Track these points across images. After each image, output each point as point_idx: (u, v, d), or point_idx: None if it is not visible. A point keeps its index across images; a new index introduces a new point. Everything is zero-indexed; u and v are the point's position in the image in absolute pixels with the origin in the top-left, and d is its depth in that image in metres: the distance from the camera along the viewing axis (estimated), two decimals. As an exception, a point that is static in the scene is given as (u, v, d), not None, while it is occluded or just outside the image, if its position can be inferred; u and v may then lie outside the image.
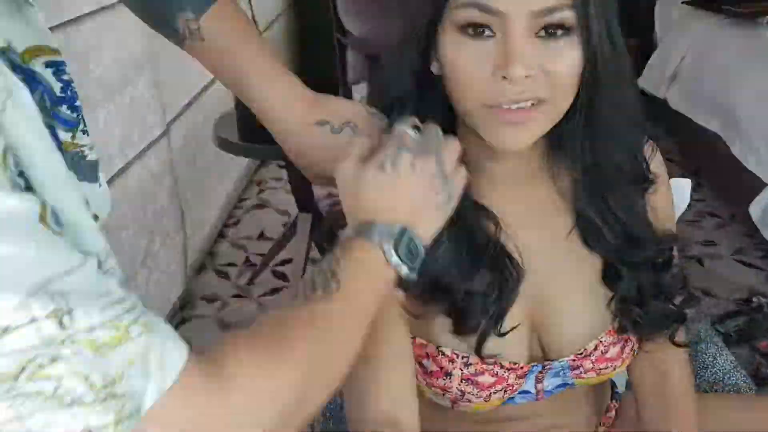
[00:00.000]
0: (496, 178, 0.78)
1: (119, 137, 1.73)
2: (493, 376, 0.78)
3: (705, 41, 2.97)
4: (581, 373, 0.82)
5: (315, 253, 2.48)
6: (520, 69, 0.63)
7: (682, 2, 3.30)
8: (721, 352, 1.05)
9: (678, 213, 1.01)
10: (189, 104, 2.33)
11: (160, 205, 2.05)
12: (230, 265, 2.49)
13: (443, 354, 0.78)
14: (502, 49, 0.64)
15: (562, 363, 0.81)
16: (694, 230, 2.59)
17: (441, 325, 0.77)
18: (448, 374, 0.78)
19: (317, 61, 3.94)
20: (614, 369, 0.83)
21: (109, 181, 1.67)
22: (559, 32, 0.65)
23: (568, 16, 0.65)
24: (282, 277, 2.40)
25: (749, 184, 2.37)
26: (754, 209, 2.28)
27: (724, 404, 0.96)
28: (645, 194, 0.80)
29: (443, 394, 0.80)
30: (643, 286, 0.80)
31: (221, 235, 2.68)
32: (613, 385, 0.99)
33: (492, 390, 0.78)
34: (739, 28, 2.85)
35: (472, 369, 0.77)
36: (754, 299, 2.11)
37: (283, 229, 2.50)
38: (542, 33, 0.65)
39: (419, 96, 0.74)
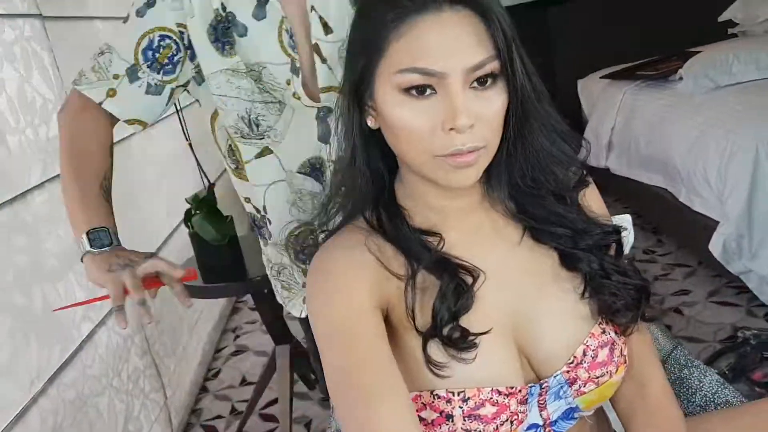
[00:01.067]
0: (448, 213, 0.84)
1: (82, 303, 1.73)
2: (493, 405, 0.77)
3: (629, 106, 3.14)
4: (580, 387, 0.82)
5: (300, 386, 2.44)
6: (466, 119, 0.72)
7: (600, 78, 3.51)
8: (705, 373, 1.05)
9: (627, 248, 1.04)
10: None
11: (135, 367, 2.01)
12: (217, 417, 2.42)
13: (438, 397, 0.78)
14: (446, 105, 0.73)
15: (557, 378, 0.82)
16: (666, 284, 2.62)
17: (427, 370, 0.78)
18: (449, 416, 0.77)
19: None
20: (611, 376, 0.84)
21: (78, 348, 1.65)
22: (489, 81, 0.74)
23: (495, 66, 0.74)
24: (271, 419, 2.34)
25: (704, 226, 2.44)
26: (714, 247, 2.33)
27: (714, 420, 0.95)
28: (579, 194, 0.88)
29: None
30: (603, 261, 0.85)
31: (203, 389, 2.62)
32: None
33: (498, 421, 0.77)
34: (656, 88, 3.03)
35: (471, 403, 0.77)
36: (739, 334, 2.11)
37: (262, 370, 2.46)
38: (475, 84, 0.74)
39: (364, 149, 0.84)
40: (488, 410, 0.77)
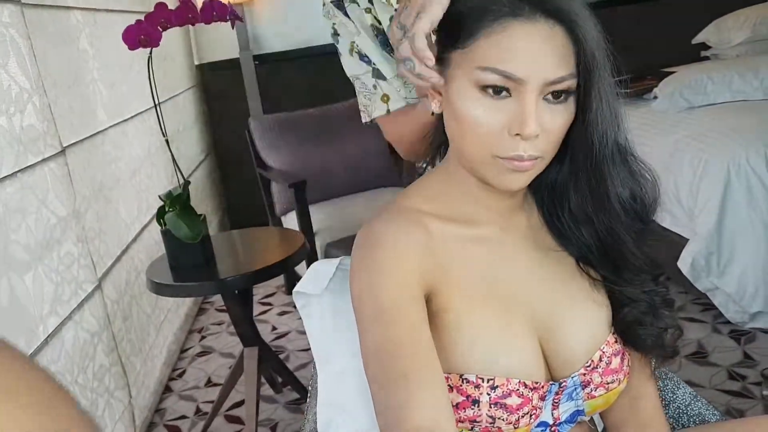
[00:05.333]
0: (489, 209, 0.86)
1: (50, 297, 1.69)
2: (519, 396, 0.79)
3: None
4: (592, 390, 0.85)
5: (266, 389, 2.42)
6: (535, 128, 0.73)
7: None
8: (679, 385, 1.07)
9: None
10: (120, 257, 2.30)
11: (101, 364, 1.97)
12: (181, 418, 2.39)
13: (467, 381, 0.79)
14: (518, 110, 0.74)
15: (574, 379, 0.84)
16: (633, 298, 2.65)
17: (461, 353, 0.79)
18: (476, 402, 0.79)
19: (243, 199, 4.00)
20: (618, 383, 0.87)
21: (44, 343, 1.62)
22: (562, 96, 0.75)
23: (573, 83, 0.75)
24: (236, 420, 2.31)
25: (673, 242, 2.48)
26: (683, 264, 2.37)
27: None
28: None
29: (471, 428, 0.80)
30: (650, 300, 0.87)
31: (167, 388, 2.59)
32: None
33: (520, 413, 0.80)
34: (631, 106, 3.07)
35: (499, 392, 0.79)
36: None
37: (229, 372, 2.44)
38: (549, 97, 0.75)
39: None
40: (514, 401, 0.79)
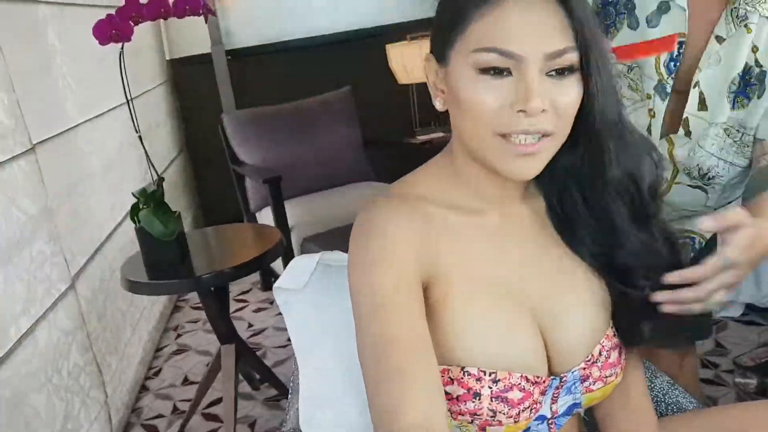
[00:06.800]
0: (493, 199, 0.85)
1: (22, 297, 1.66)
2: (521, 390, 0.78)
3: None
4: (590, 384, 0.85)
5: (244, 386, 2.40)
6: (539, 102, 0.72)
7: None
8: (656, 374, 1.08)
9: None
10: (93, 255, 2.27)
11: (75, 364, 1.95)
12: (158, 417, 2.37)
13: (468, 374, 0.78)
14: (520, 87, 0.72)
15: (574, 374, 0.83)
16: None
17: (462, 345, 0.78)
18: (477, 394, 0.78)
19: (217, 195, 3.97)
20: (616, 377, 0.86)
21: (16, 344, 1.59)
22: (566, 72, 0.74)
23: (574, 57, 0.73)
24: (214, 419, 2.30)
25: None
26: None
27: (670, 425, 0.98)
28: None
29: (471, 421, 0.79)
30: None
31: (143, 387, 2.56)
32: None
33: (521, 407, 0.79)
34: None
35: (500, 385, 0.78)
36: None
37: (206, 370, 2.42)
38: (552, 73, 0.74)
39: None
40: (516, 395, 0.78)
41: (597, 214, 0.84)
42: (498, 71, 0.73)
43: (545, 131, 0.74)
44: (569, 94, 0.75)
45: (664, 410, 1.06)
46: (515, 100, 0.73)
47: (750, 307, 2.39)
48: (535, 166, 0.76)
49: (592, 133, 0.79)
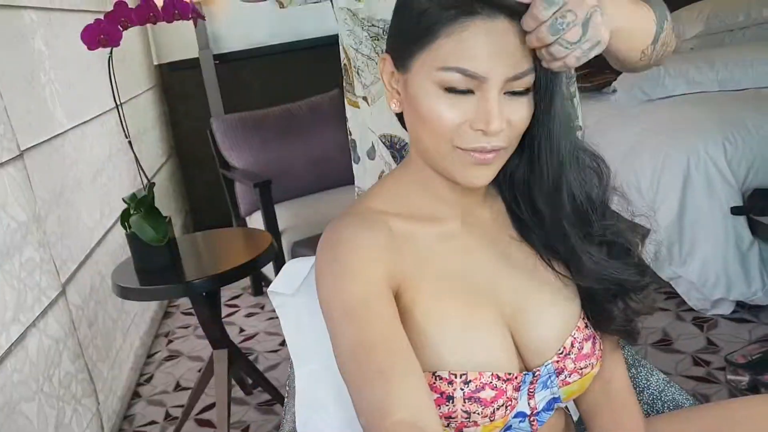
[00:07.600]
0: (452, 205, 0.87)
1: (12, 304, 1.65)
2: (493, 389, 0.80)
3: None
4: (566, 377, 0.86)
5: (237, 391, 2.39)
6: (499, 124, 0.74)
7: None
8: (652, 372, 1.09)
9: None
10: (83, 262, 2.25)
11: (67, 371, 1.93)
12: (151, 423, 2.35)
13: (440, 378, 0.79)
14: (480, 107, 0.74)
15: (548, 367, 0.85)
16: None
17: (432, 350, 0.79)
18: (450, 398, 0.79)
19: (206, 200, 3.96)
20: (591, 368, 0.88)
21: (7, 352, 1.57)
22: (523, 91, 0.76)
23: (532, 79, 0.76)
24: (207, 424, 2.29)
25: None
26: (646, 254, 2.40)
27: (666, 423, 0.98)
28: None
29: (448, 425, 0.80)
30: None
31: (136, 394, 2.55)
32: None
33: (495, 405, 0.80)
34: (591, 99, 3.12)
35: (472, 386, 0.79)
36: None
37: (198, 375, 2.41)
38: (510, 92, 0.76)
39: None
40: (488, 394, 0.79)
41: (547, 221, 0.85)
42: (461, 91, 0.75)
43: (501, 147, 0.77)
44: (523, 111, 0.77)
45: (661, 408, 1.06)
46: (475, 119, 0.75)
47: (740, 305, 2.41)
48: (489, 174, 0.80)
49: (548, 148, 0.81)
